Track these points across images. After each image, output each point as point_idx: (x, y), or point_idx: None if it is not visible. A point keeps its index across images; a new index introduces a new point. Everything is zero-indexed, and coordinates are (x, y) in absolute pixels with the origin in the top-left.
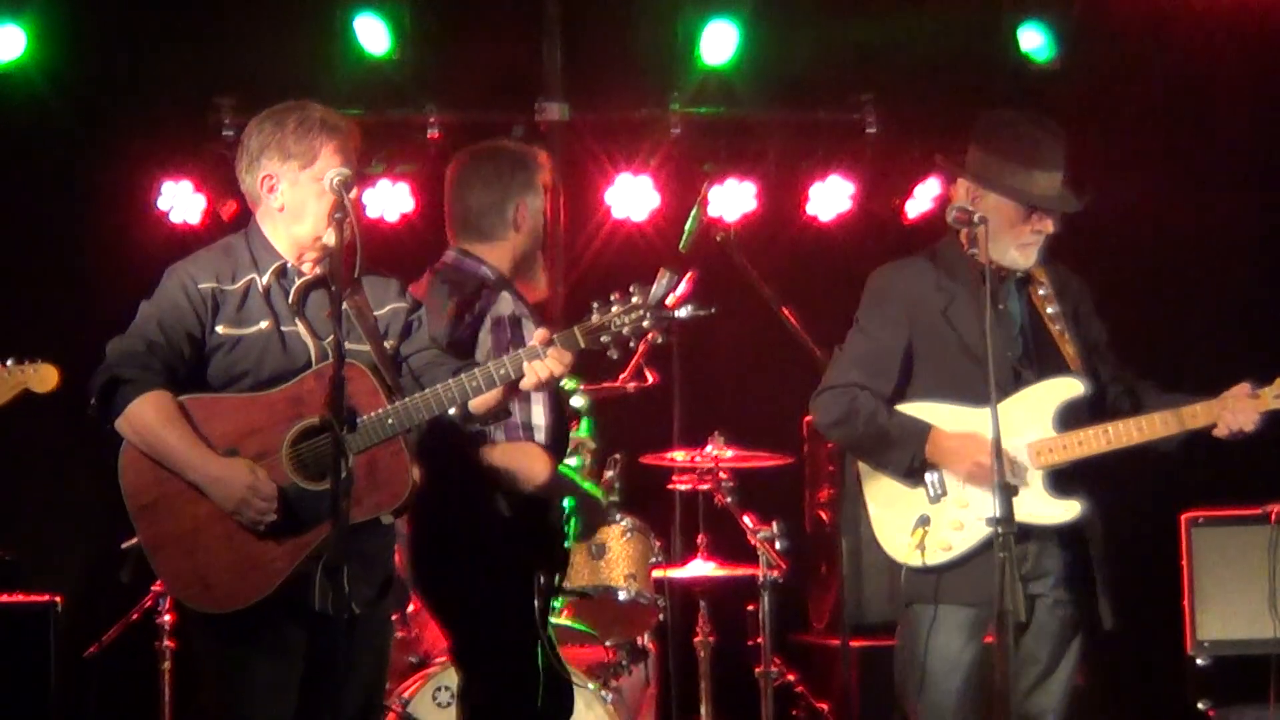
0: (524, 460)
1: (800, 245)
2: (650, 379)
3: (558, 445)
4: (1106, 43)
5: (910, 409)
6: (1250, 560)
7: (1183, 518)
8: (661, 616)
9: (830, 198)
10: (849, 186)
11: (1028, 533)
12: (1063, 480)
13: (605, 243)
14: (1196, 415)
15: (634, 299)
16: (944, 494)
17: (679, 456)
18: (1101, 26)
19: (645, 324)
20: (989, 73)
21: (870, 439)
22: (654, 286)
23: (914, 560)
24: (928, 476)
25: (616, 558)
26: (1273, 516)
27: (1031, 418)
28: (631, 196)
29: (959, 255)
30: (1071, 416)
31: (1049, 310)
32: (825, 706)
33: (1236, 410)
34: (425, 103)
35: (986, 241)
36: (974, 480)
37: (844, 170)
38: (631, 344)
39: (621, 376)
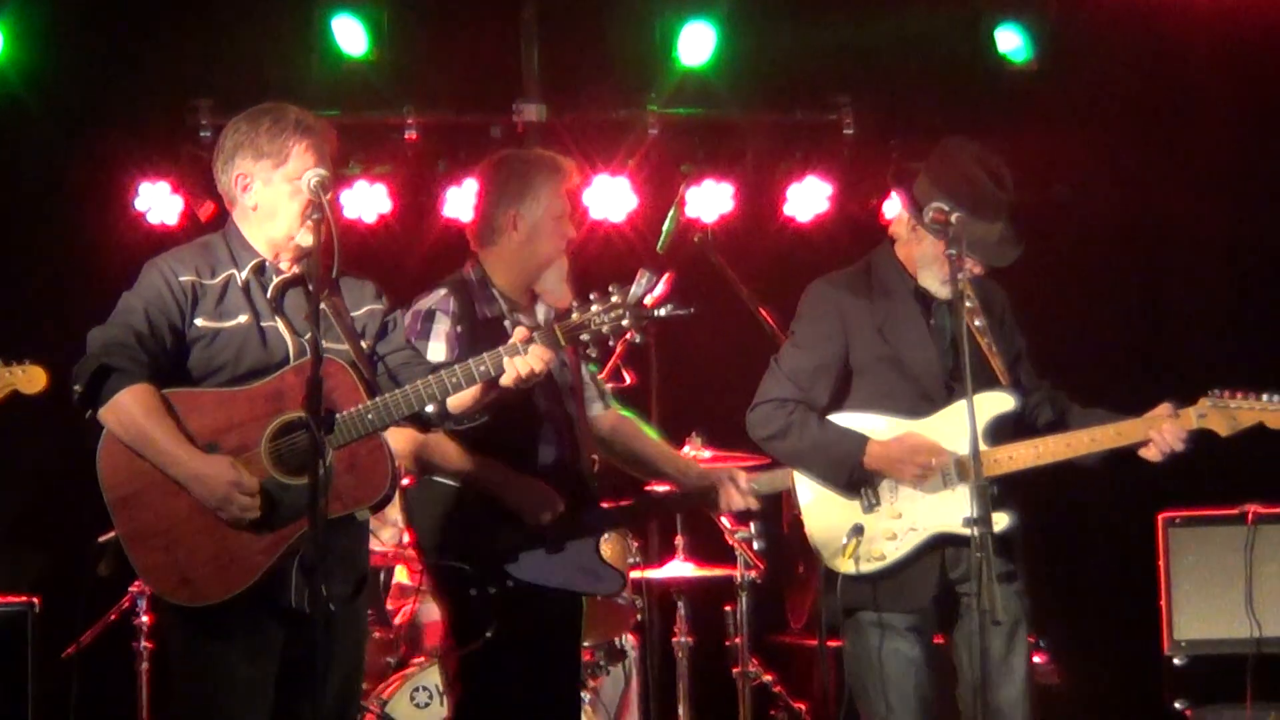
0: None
1: (778, 246)
2: (628, 379)
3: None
4: (1083, 44)
5: (843, 419)
6: (1227, 560)
7: (1160, 518)
8: (639, 617)
9: (808, 198)
10: (826, 187)
11: (960, 540)
12: (992, 492)
13: (583, 243)
14: (1122, 433)
15: (613, 298)
16: (877, 504)
17: None
18: (1078, 28)
19: (624, 323)
20: (966, 74)
21: (808, 452)
22: (633, 286)
23: (849, 569)
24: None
25: None
26: (1249, 517)
27: (963, 431)
28: (609, 197)
29: (893, 267)
30: (1001, 430)
31: (977, 323)
32: (803, 706)
33: (1165, 431)
34: (403, 104)
35: (962, 241)
36: (920, 483)
37: (821, 171)
38: (610, 343)
39: (599, 377)
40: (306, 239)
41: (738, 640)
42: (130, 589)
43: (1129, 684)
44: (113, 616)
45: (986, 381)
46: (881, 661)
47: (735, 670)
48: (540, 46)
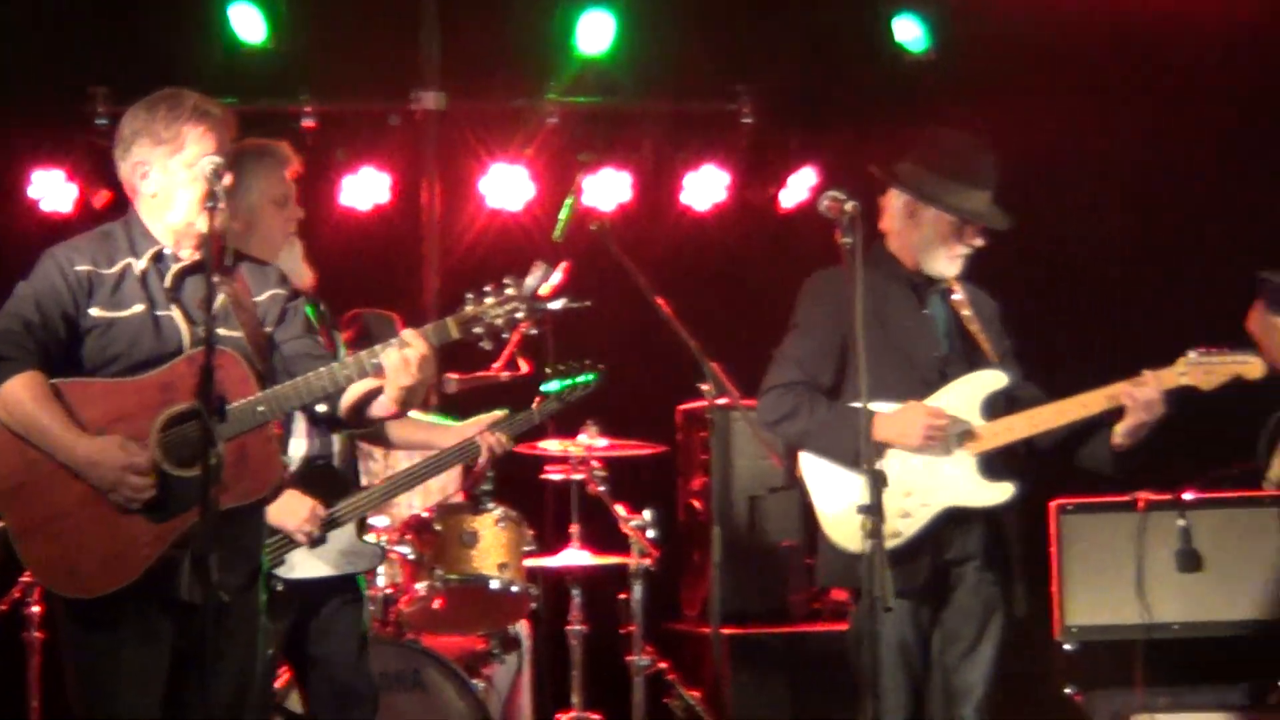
0: None
1: (675, 235)
2: (523, 368)
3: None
4: (980, 33)
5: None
6: (1118, 547)
7: (1052, 505)
8: (534, 605)
9: (705, 187)
10: (724, 176)
11: (955, 517)
12: (994, 465)
13: (481, 232)
14: (1111, 396)
15: (508, 290)
16: (885, 483)
17: (552, 446)
18: (975, 17)
19: (519, 315)
20: (864, 63)
21: (817, 430)
22: (528, 278)
23: (865, 548)
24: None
25: (488, 547)
26: (1140, 504)
27: (961, 408)
28: (507, 186)
29: (890, 260)
30: (996, 407)
31: (965, 313)
32: (697, 694)
33: (1149, 386)
34: (300, 92)
35: (859, 230)
36: (928, 447)
37: (719, 160)
38: (504, 335)
39: (495, 366)
40: (205, 225)
41: (632, 628)
42: (20, 579)
43: (1020, 670)
44: (3, 608)
45: (976, 362)
46: (883, 642)
47: (629, 658)
48: (439, 34)
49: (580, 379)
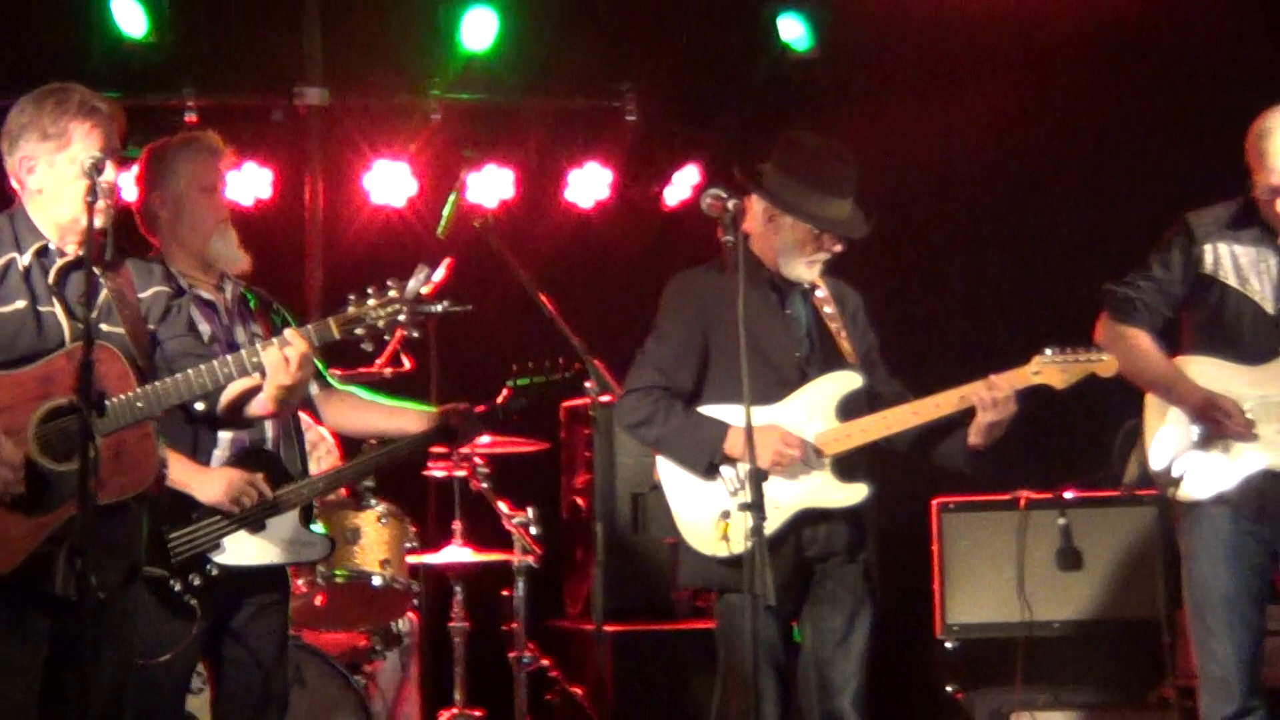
0: None
1: (559, 232)
2: (407, 364)
3: None
4: (864, 32)
5: (706, 411)
6: (999, 545)
7: (934, 503)
8: (416, 602)
9: (589, 185)
10: (608, 174)
11: (819, 516)
12: (848, 466)
13: (364, 228)
14: (964, 397)
15: (390, 292)
16: (742, 486)
17: None
18: (859, 16)
19: (400, 318)
20: (749, 61)
21: (671, 438)
22: (410, 280)
23: (720, 551)
24: (725, 471)
25: (371, 543)
26: (1021, 502)
27: (816, 410)
28: (390, 182)
29: (750, 259)
30: (852, 408)
31: (827, 310)
32: (580, 691)
33: (1001, 386)
34: (183, 86)
35: (740, 228)
36: (777, 468)
37: (603, 157)
38: (386, 336)
39: (378, 362)
40: (99, 221)
41: (515, 625)
42: None
43: (901, 668)
44: None
45: (837, 365)
46: (750, 641)
47: (512, 655)
48: (322, 30)
49: (552, 378)
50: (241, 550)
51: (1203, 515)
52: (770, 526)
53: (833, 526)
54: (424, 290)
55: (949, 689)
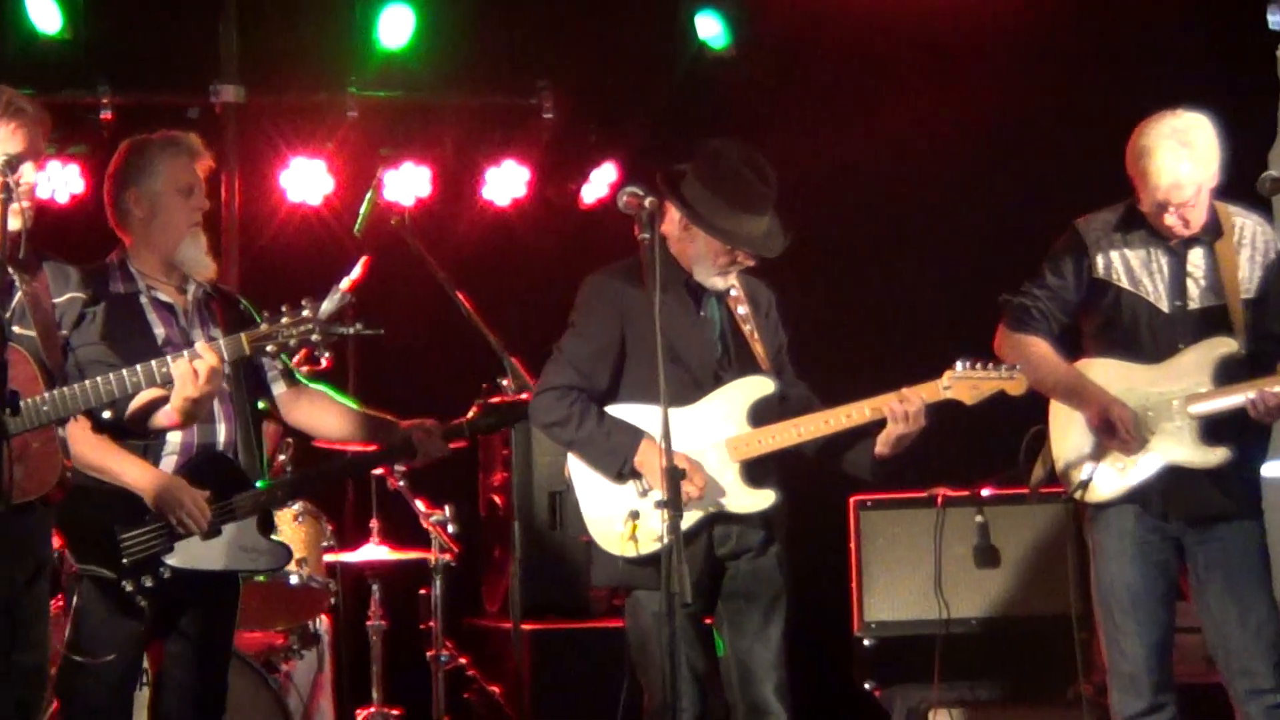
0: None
1: (476, 229)
2: (325, 362)
3: None
4: (781, 30)
5: (616, 410)
6: (916, 543)
7: (851, 501)
8: (333, 600)
9: (506, 182)
10: (525, 172)
11: (730, 519)
12: (757, 472)
13: (281, 226)
14: (875, 408)
15: (304, 312)
16: (650, 489)
17: None
18: (776, 14)
19: (313, 338)
20: (666, 59)
21: (584, 442)
22: (324, 302)
23: (629, 551)
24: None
25: (287, 541)
26: (939, 500)
27: (728, 415)
28: (307, 180)
29: (668, 262)
30: (764, 412)
31: (740, 311)
32: (498, 689)
33: (911, 401)
34: (98, 83)
35: (656, 227)
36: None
37: (520, 155)
38: (295, 356)
39: (295, 359)
40: (14, 223)
41: (432, 624)
42: None
43: (819, 665)
44: None
45: (751, 369)
46: (659, 638)
47: (429, 654)
48: (239, 27)
49: (523, 397)
50: (193, 554)
51: (1110, 515)
52: (681, 526)
53: (744, 527)
54: (343, 285)
55: (867, 686)
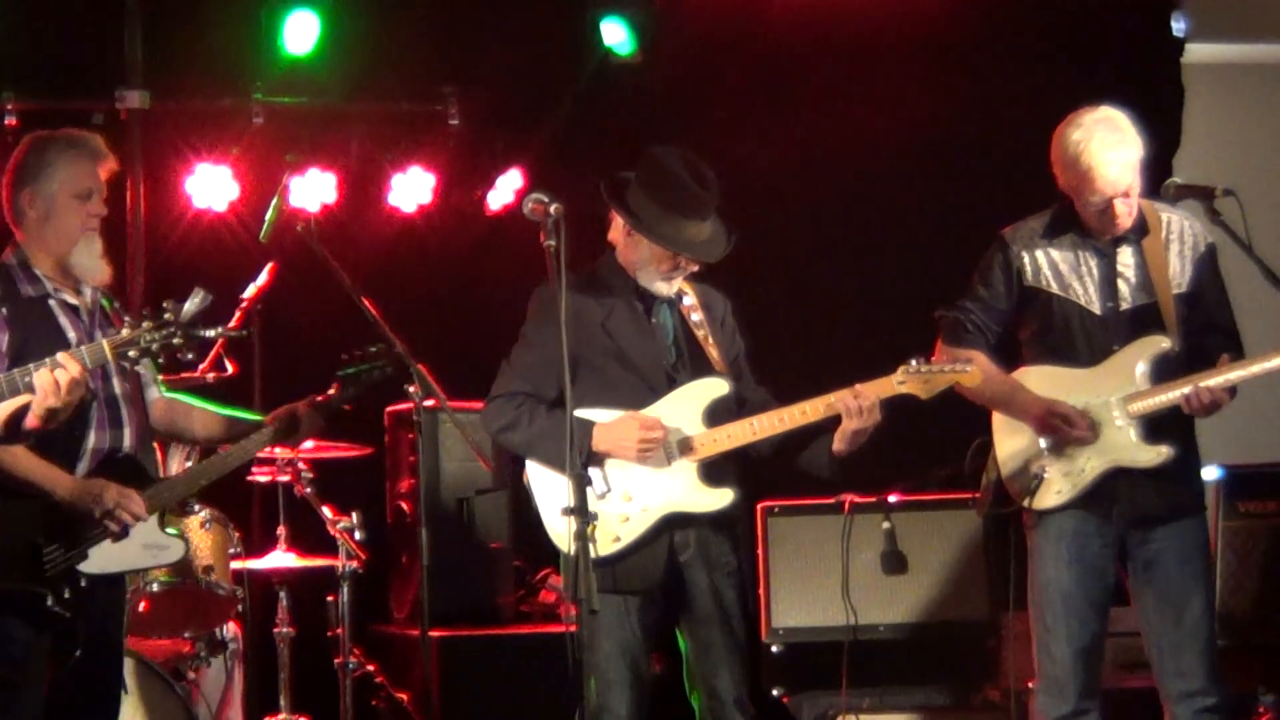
0: None
1: (382, 236)
2: (230, 369)
3: None
4: (687, 36)
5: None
6: (824, 549)
7: (759, 507)
8: (240, 608)
9: (412, 189)
10: (430, 178)
11: (684, 522)
12: (714, 471)
13: (186, 232)
14: (830, 405)
15: (165, 316)
16: (609, 490)
17: None
18: (681, 21)
19: (175, 342)
20: (572, 66)
21: (538, 440)
22: (186, 304)
23: (571, 551)
24: (593, 474)
25: (194, 549)
26: (846, 506)
27: (683, 415)
28: (213, 186)
29: (616, 270)
30: (719, 414)
31: (694, 318)
32: (405, 696)
33: (865, 395)
34: (2, 89)
35: (562, 232)
36: (645, 458)
37: (426, 161)
38: (160, 360)
39: (201, 367)
40: None
41: (340, 631)
42: None
43: None
44: None
45: (705, 371)
46: (606, 639)
47: (337, 661)
48: (143, 32)
49: (377, 365)
50: (106, 558)
51: (1052, 520)
52: (636, 530)
53: (703, 532)
54: (247, 293)
55: (775, 692)
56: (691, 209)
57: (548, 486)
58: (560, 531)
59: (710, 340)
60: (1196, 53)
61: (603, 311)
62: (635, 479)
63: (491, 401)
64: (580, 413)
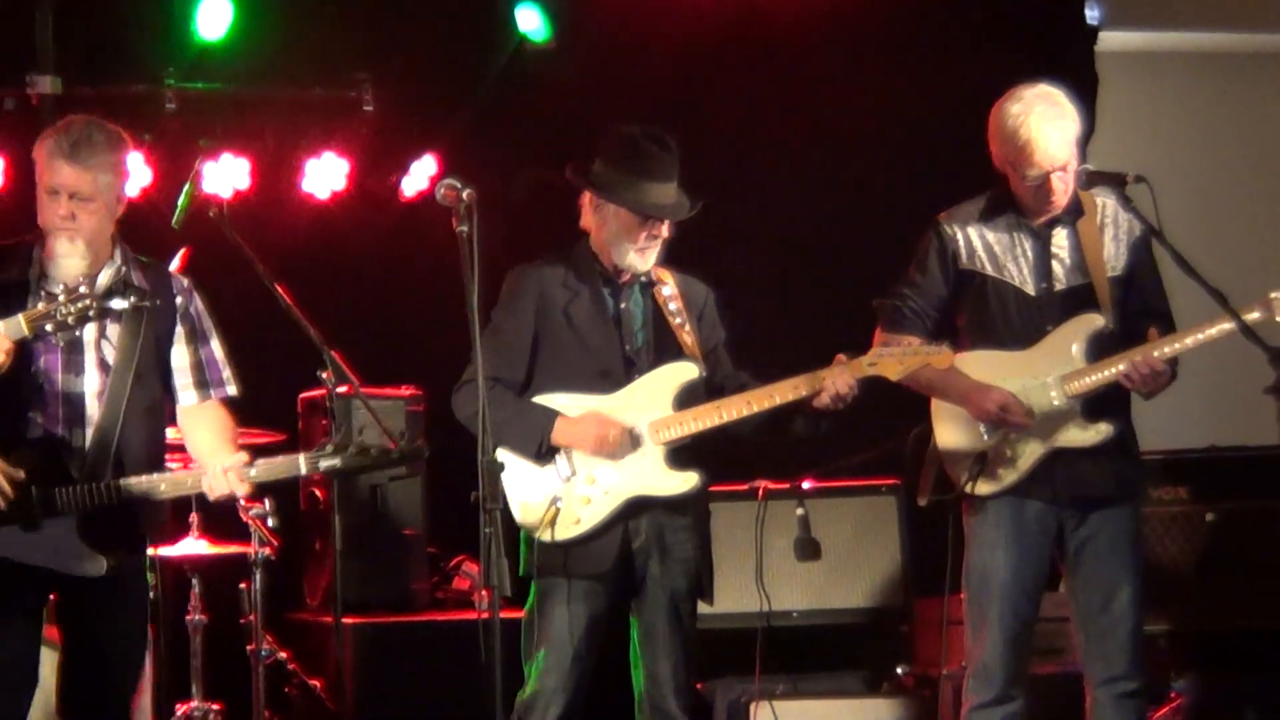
0: None
1: (296, 222)
2: None
3: None
4: (602, 23)
5: (538, 400)
6: (737, 535)
7: None
8: (152, 595)
9: (326, 175)
10: (344, 164)
11: (644, 507)
12: (680, 456)
13: None
14: (799, 387)
15: (80, 289)
16: (573, 474)
17: (170, 434)
18: (596, 7)
19: (90, 315)
20: (487, 52)
21: (502, 426)
22: (99, 276)
23: (545, 536)
24: (558, 458)
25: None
26: (759, 493)
27: (652, 399)
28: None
29: (586, 255)
30: (690, 398)
31: (671, 307)
32: (319, 683)
33: (836, 376)
34: None
35: (474, 218)
36: (601, 452)
37: (340, 148)
38: (77, 332)
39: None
40: None
41: (252, 618)
42: None
43: None
44: None
45: (672, 355)
46: (554, 624)
47: (250, 648)
48: (54, 17)
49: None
50: (6, 540)
51: (992, 505)
52: (599, 514)
53: (658, 520)
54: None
55: None
56: (654, 171)
57: (515, 469)
58: (524, 513)
59: (686, 328)
60: (1110, 40)
61: (566, 296)
62: (600, 462)
63: (460, 388)
64: (542, 398)
